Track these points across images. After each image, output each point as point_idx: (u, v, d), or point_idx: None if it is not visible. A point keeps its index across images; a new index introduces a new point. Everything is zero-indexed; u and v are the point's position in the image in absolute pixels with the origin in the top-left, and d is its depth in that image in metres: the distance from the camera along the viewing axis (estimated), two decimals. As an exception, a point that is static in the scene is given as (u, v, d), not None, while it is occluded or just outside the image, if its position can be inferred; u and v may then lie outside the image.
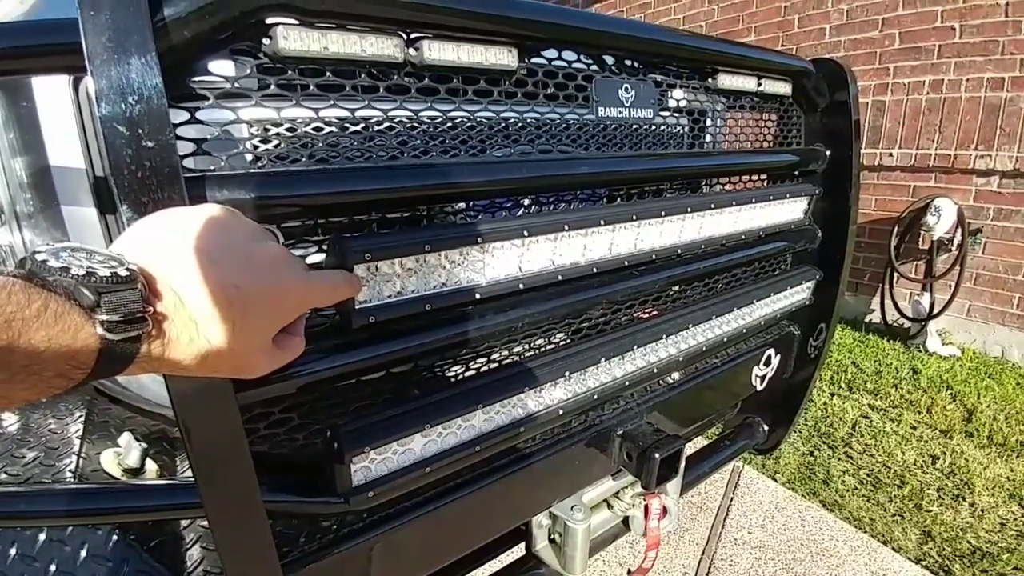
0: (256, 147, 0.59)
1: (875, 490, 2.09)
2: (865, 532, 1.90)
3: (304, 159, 0.60)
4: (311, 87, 0.59)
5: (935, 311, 3.21)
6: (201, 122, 0.55)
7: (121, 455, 0.92)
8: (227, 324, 0.38)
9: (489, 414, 0.71)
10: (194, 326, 0.37)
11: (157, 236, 0.40)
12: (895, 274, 3.44)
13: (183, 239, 0.39)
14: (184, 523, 0.66)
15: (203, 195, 0.50)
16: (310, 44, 0.56)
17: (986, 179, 3.09)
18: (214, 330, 0.38)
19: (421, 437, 0.64)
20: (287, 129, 0.60)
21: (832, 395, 2.79)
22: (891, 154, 3.42)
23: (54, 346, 0.30)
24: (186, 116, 0.54)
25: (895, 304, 3.47)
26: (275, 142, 0.60)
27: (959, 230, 3.09)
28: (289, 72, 0.58)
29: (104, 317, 0.32)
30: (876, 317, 3.65)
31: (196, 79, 0.54)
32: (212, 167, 0.56)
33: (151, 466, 0.88)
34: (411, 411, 0.64)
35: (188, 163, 0.55)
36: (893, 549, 1.82)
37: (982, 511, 1.95)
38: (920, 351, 3.21)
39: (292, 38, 0.56)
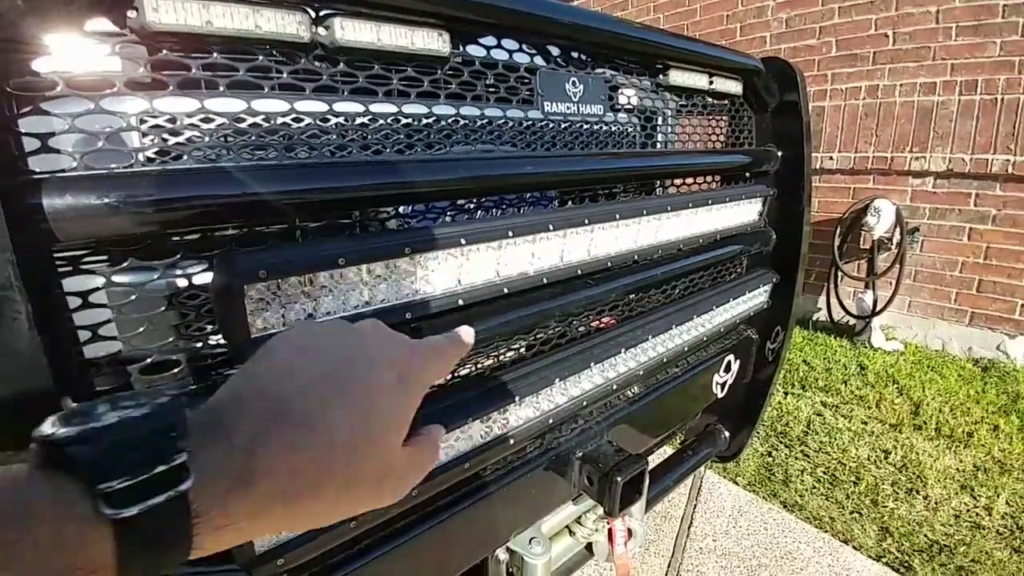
0: (123, 143, 0.48)
1: (832, 488, 2.10)
2: (826, 532, 1.89)
3: (186, 157, 0.50)
4: (193, 70, 0.48)
5: (878, 308, 3.32)
6: (47, 113, 0.44)
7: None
8: (345, 418, 0.31)
9: (427, 451, 0.62)
10: (304, 432, 0.29)
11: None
12: (839, 273, 3.54)
13: (263, 356, 0.33)
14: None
15: (37, 203, 0.39)
16: (187, 17, 0.46)
17: (921, 180, 3.23)
18: (336, 429, 0.30)
19: (343, 485, 0.54)
20: (164, 121, 0.49)
21: (786, 394, 2.82)
22: (831, 157, 3.54)
23: (53, 547, 0.22)
24: (26, 107, 0.43)
25: (840, 302, 3.58)
26: (147, 137, 0.49)
27: (898, 229, 3.21)
28: (164, 52, 0.48)
29: (103, 486, 0.23)
30: (823, 315, 3.76)
31: (39, 61, 0.43)
32: (64, 168, 0.45)
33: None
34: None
35: (33, 163, 0.44)
36: (854, 548, 1.82)
37: (936, 504, 1.99)
38: (866, 347, 3.31)
39: (164, 10, 0.45)
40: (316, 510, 0.31)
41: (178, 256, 0.49)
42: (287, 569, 0.52)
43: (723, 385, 1.28)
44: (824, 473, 2.19)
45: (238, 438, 0.27)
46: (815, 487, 2.11)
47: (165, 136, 0.50)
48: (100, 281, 0.47)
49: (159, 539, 0.24)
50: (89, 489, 0.23)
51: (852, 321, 3.53)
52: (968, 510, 1.96)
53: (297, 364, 0.32)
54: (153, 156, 0.49)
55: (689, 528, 1.95)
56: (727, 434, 1.51)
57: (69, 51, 0.44)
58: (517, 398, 0.70)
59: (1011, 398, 2.68)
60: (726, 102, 1.21)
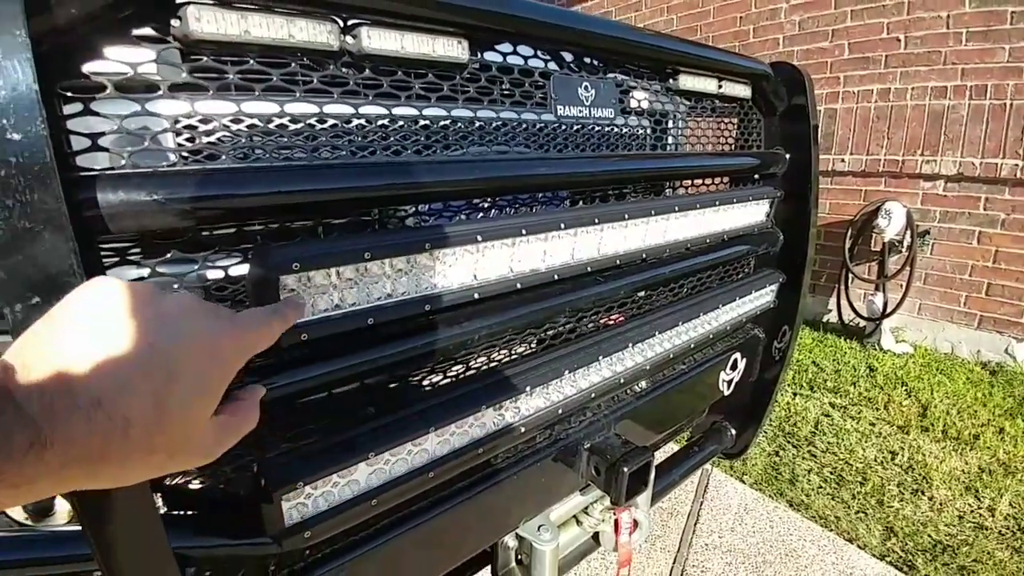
0: (166, 143, 0.52)
1: (839, 488, 2.12)
2: (831, 531, 1.91)
3: (224, 157, 0.53)
4: (231, 76, 0.52)
5: (888, 310, 3.32)
6: (97, 114, 0.48)
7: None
8: (145, 395, 0.31)
9: (443, 436, 0.65)
10: (97, 407, 0.29)
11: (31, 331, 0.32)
12: (850, 275, 3.54)
13: (59, 318, 0.32)
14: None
15: (92, 197, 0.42)
16: (227, 27, 0.50)
17: (932, 183, 3.22)
18: (132, 406, 0.30)
19: (366, 466, 0.58)
20: (203, 123, 0.53)
21: (795, 394, 2.83)
22: (843, 160, 3.53)
23: None
24: (78, 107, 0.47)
25: (851, 304, 3.57)
26: (188, 137, 0.52)
27: (908, 232, 3.20)
28: (205, 59, 0.51)
29: None
30: (833, 317, 3.75)
31: (90, 65, 0.47)
32: (112, 166, 0.48)
33: (63, 506, 0.76)
34: (353, 438, 0.57)
35: (82, 161, 0.48)
36: (858, 547, 1.83)
37: (941, 505, 2.00)
38: (876, 349, 3.31)
39: (206, 20, 0.49)
40: (119, 474, 0.32)
41: (215, 249, 0.53)
42: (313, 543, 0.55)
43: (729, 383, 1.30)
44: (831, 473, 2.20)
45: (29, 408, 0.28)
46: (821, 487, 2.12)
47: (204, 136, 0.53)
48: (145, 272, 0.50)
49: None
50: None
51: (862, 323, 3.52)
52: (972, 511, 1.96)
53: (94, 341, 0.31)
54: (193, 155, 0.53)
55: (695, 525, 1.97)
56: (733, 431, 1.53)
57: (116, 56, 0.48)
58: (528, 388, 0.74)
59: (1017, 401, 2.67)
60: (735, 105, 1.23)
